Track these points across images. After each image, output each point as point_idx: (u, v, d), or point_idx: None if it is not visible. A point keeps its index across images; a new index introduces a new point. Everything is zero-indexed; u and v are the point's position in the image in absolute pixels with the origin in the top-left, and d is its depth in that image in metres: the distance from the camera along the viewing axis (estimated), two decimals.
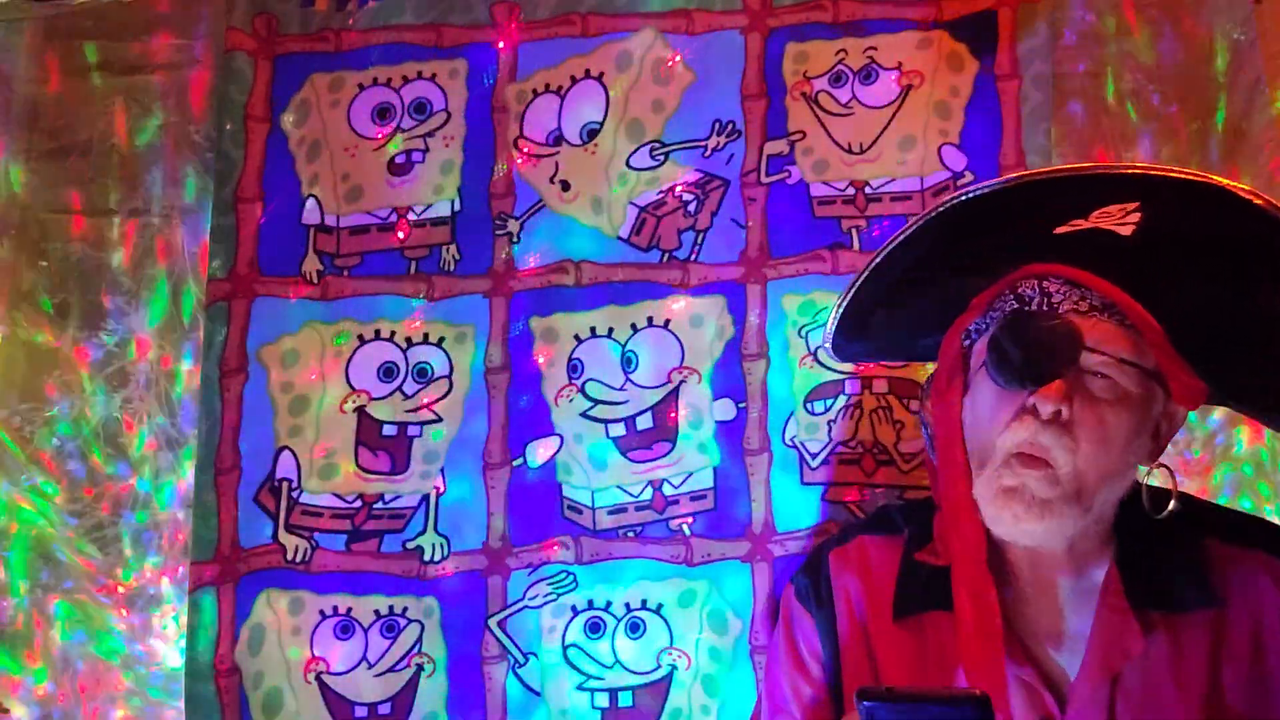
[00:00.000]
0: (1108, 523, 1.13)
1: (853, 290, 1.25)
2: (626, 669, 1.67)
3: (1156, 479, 1.13)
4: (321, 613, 1.72)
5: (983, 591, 1.08)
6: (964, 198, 1.12)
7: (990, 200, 1.11)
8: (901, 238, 1.17)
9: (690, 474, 1.70)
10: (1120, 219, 1.07)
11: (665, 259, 1.75)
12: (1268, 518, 1.51)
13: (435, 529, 1.72)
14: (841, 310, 1.28)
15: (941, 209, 1.14)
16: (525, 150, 1.80)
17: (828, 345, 1.36)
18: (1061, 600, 1.13)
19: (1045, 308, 1.08)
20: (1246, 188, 1.03)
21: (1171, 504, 1.09)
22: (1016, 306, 1.10)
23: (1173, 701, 1.05)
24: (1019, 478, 1.05)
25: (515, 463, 1.73)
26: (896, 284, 1.23)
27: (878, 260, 1.21)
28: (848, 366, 1.66)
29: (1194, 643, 1.07)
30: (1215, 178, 1.03)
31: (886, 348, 1.40)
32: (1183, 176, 1.04)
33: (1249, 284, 1.06)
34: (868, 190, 1.72)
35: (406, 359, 1.77)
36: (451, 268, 1.78)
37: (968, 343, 1.16)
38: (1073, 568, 1.13)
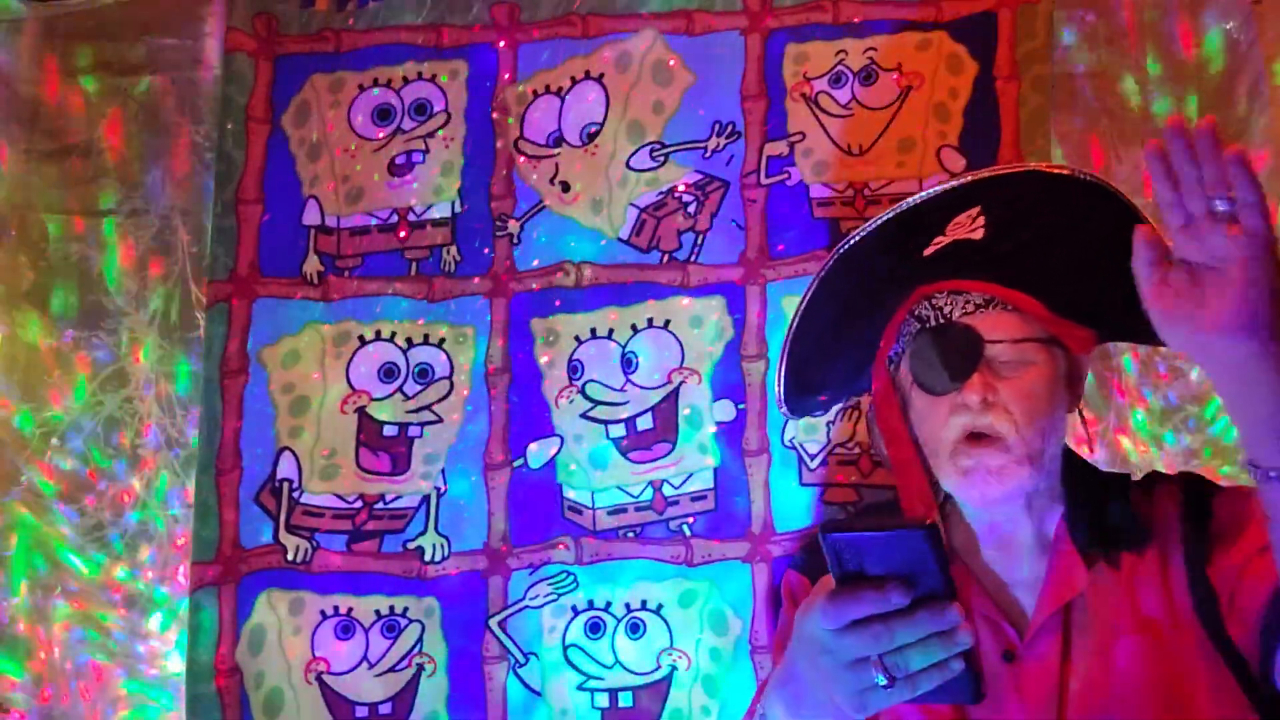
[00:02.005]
0: (1056, 476, 1.29)
1: (785, 359, 1.42)
2: (627, 669, 1.67)
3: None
4: (322, 613, 1.72)
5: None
6: (840, 251, 1.33)
7: (866, 247, 1.32)
8: (805, 301, 1.37)
9: (690, 475, 1.70)
10: (970, 227, 1.27)
11: (665, 260, 1.75)
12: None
13: (436, 529, 1.73)
14: (783, 378, 1.45)
15: (827, 265, 1.34)
16: (525, 151, 1.80)
17: (784, 410, 1.51)
18: (1022, 554, 1.29)
19: (941, 320, 1.27)
20: (1058, 165, 1.26)
21: (1093, 434, 1.38)
22: (919, 327, 1.28)
23: (1111, 623, 1.21)
24: (973, 457, 1.23)
25: (516, 463, 1.73)
26: (819, 340, 1.41)
27: (793, 327, 1.39)
28: None
29: (1124, 571, 1.24)
30: (1026, 165, 1.29)
31: (833, 395, 1.57)
32: (1000, 172, 1.29)
33: (1086, 231, 1.25)
34: (867, 192, 1.72)
35: (407, 360, 1.77)
36: (452, 269, 1.78)
37: (892, 368, 1.34)
38: (1032, 523, 1.29)
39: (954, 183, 1.28)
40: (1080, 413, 1.35)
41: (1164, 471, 1.39)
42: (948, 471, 1.26)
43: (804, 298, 1.38)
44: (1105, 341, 1.39)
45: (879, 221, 1.31)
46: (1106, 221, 1.23)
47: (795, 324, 1.39)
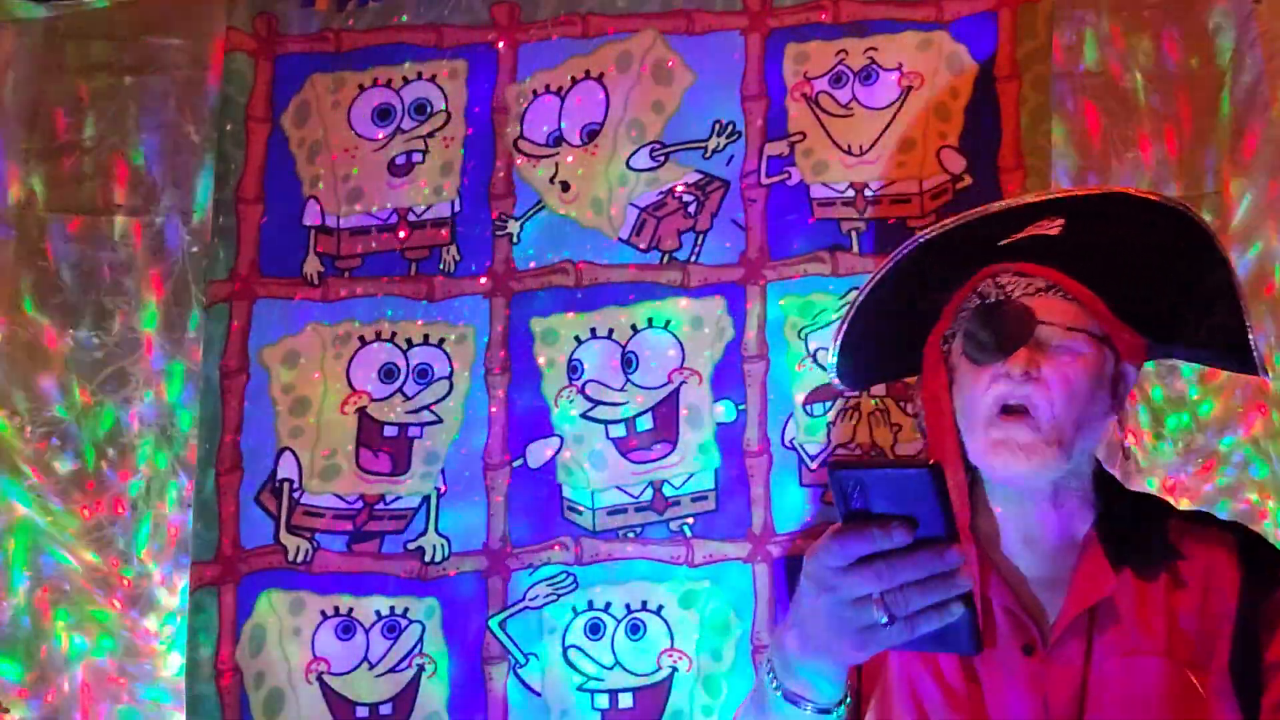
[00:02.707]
0: (1086, 480, 1.31)
1: (844, 327, 1.44)
2: (627, 670, 1.67)
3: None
4: (323, 613, 1.72)
5: (968, 555, 1.22)
6: (920, 240, 1.36)
7: (940, 238, 1.35)
8: (876, 279, 1.40)
9: (690, 475, 1.70)
10: (1048, 226, 1.31)
11: (665, 260, 1.75)
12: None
13: (436, 530, 1.73)
14: (838, 347, 1.45)
15: (904, 252, 1.37)
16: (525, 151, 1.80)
17: (835, 380, 1.50)
18: (1046, 551, 1.30)
19: (1001, 297, 1.29)
20: (1144, 190, 1.28)
21: (1128, 445, 1.37)
22: (979, 302, 1.31)
23: (1140, 631, 1.22)
24: (1004, 430, 1.25)
25: (516, 463, 1.73)
26: (878, 316, 1.42)
27: (858, 301, 1.41)
28: None
29: (1155, 585, 1.25)
30: (1122, 188, 1.29)
31: (884, 369, 1.57)
32: (1094, 192, 1.34)
33: (1163, 258, 1.29)
34: (867, 192, 1.72)
35: (407, 360, 1.77)
36: (452, 269, 1.79)
37: (945, 347, 1.36)
38: (1059, 521, 1.30)
39: (1047, 196, 1.31)
40: (1119, 421, 1.36)
41: (1216, 515, 1.38)
42: (979, 444, 1.27)
43: (874, 277, 1.40)
44: (1156, 357, 1.41)
45: (964, 219, 1.34)
46: (1180, 240, 1.27)
47: (861, 298, 1.41)
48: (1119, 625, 1.23)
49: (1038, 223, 1.31)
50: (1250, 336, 1.27)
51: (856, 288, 1.69)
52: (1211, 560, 1.26)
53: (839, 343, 1.44)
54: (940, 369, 1.35)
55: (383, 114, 1.83)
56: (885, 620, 0.92)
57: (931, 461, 0.90)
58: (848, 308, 1.43)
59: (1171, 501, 1.39)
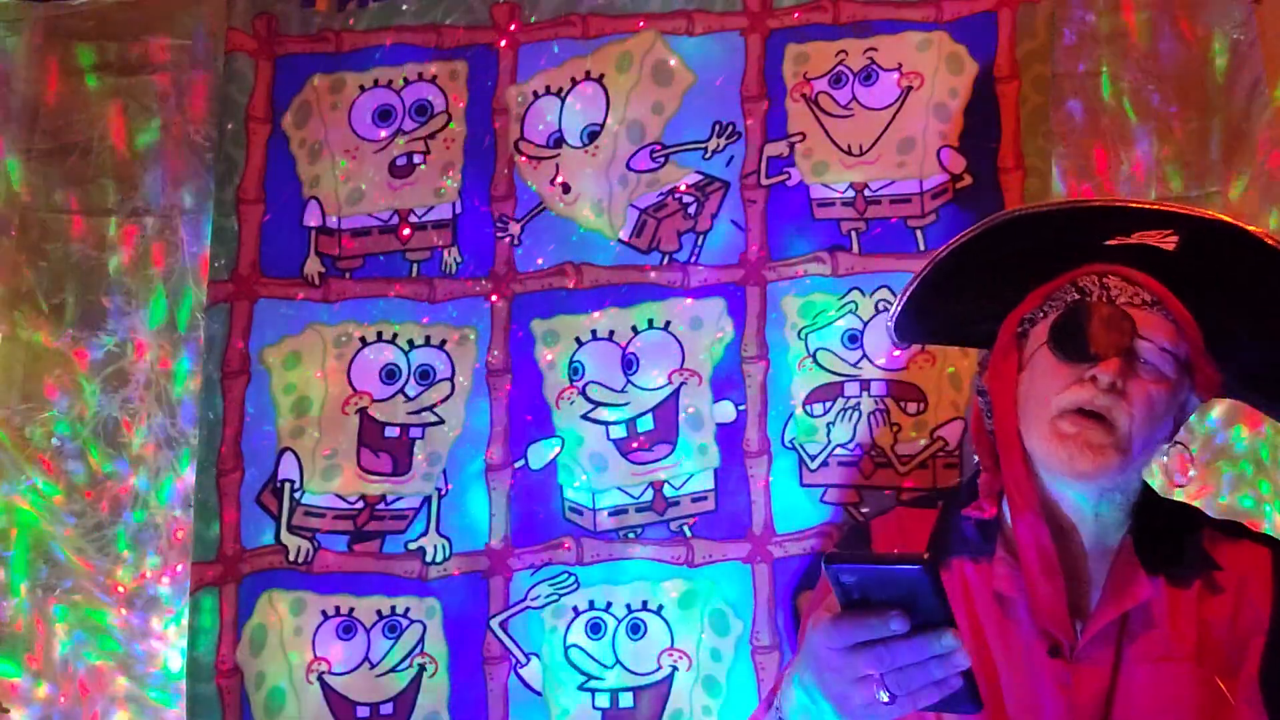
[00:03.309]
0: (1130, 497, 1.29)
1: (915, 282, 1.40)
2: (627, 670, 1.68)
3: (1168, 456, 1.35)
4: (323, 613, 1.72)
5: (1044, 544, 1.25)
6: (1021, 212, 1.31)
7: (1038, 218, 1.31)
8: (966, 238, 1.34)
9: (691, 475, 1.71)
10: (1160, 239, 1.26)
11: (665, 261, 1.75)
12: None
13: (437, 530, 1.73)
14: (907, 297, 1.43)
15: (1000, 219, 1.32)
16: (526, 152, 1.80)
17: (890, 326, 1.49)
18: (1083, 553, 1.29)
19: (1105, 298, 1.26)
20: (1263, 231, 1.23)
21: (1191, 474, 1.33)
22: (1079, 297, 1.27)
23: (1170, 637, 1.22)
24: (1078, 426, 1.22)
25: (517, 464, 1.74)
26: (954, 279, 1.39)
27: (942, 256, 1.37)
28: (843, 368, 1.70)
29: (1188, 593, 1.25)
30: (1244, 225, 1.23)
31: (941, 332, 1.54)
32: (1214, 218, 1.26)
33: (1265, 301, 1.26)
34: (867, 192, 1.73)
35: (408, 361, 1.77)
36: (453, 270, 1.79)
37: (1021, 330, 1.33)
38: (1094, 532, 1.29)
39: (1159, 205, 1.29)
40: (1186, 448, 1.34)
41: (1246, 526, 1.37)
42: (1044, 433, 1.24)
43: (966, 234, 1.35)
44: (1226, 396, 1.39)
45: (1075, 204, 1.33)
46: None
47: (943, 256, 1.37)
48: (1150, 632, 1.23)
49: (1147, 232, 1.27)
50: None
51: (857, 288, 1.70)
52: (1246, 571, 1.25)
53: (909, 293, 1.41)
54: (1013, 351, 1.32)
55: (383, 115, 1.83)
56: (887, 699, 0.96)
57: (925, 556, 0.93)
58: (929, 262, 1.38)
59: (1204, 511, 1.38)
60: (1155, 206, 1.29)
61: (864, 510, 1.65)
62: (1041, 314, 1.31)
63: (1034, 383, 1.28)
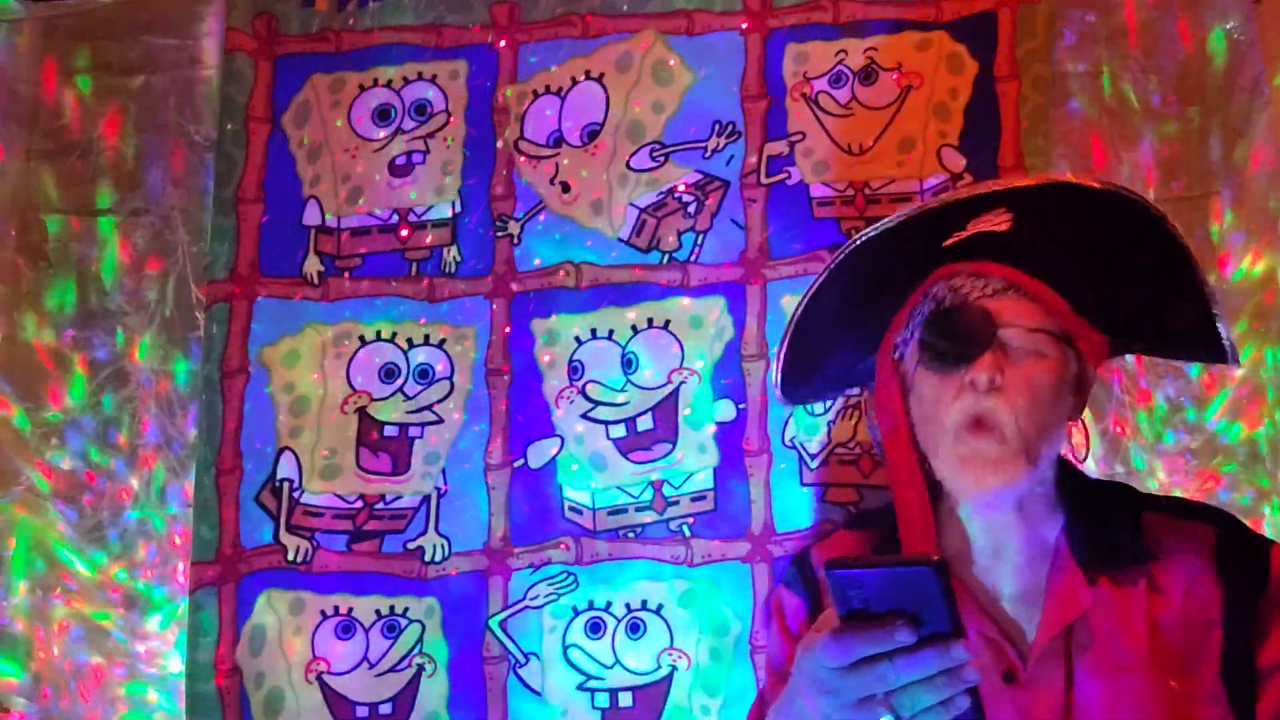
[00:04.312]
0: (1051, 485, 1.26)
1: (785, 342, 1.41)
2: (627, 669, 1.67)
3: (1078, 436, 1.35)
4: (322, 613, 1.72)
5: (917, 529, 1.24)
6: (857, 242, 1.32)
7: (880, 239, 1.31)
8: (813, 290, 1.36)
9: (690, 475, 1.70)
10: (994, 222, 1.25)
11: (665, 260, 1.75)
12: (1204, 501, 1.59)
13: (436, 529, 1.73)
14: (783, 360, 1.43)
15: (840, 257, 1.33)
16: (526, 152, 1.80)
17: (778, 393, 1.49)
18: (1018, 564, 1.25)
19: (958, 300, 1.24)
20: (1076, 175, 1.24)
21: (1086, 455, 1.31)
22: (934, 307, 1.25)
23: (1120, 645, 1.18)
24: (970, 447, 1.19)
25: (516, 463, 1.74)
26: (824, 327, 1.39)
27: (797, 314, 1.38)
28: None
29: (1133, 592, 1.20)
30: (1056, 177, 1.24)
31: (830, 383, 1.54)
32: (1032, 183, 1.25)
33: (1117, 248, 1.25)
34: (867, 191, 1.73)
35: (408, 360, 1.77)
36: (452, 269, 1.79)
37: (897, 355, 1.31)
38: (1025, 532, 1.25)
39: (984, 188, 1.27)
40: (1082, 422, 1.32)
41: (1192, 500, 1.34)
42: (945, 460, 1.22)
43: (813, 285, 1.36)
44: (1118, 353, 1.37)
45: (901, 217, 1.29)
46: (1133, 231, 1.22)
47: (801, 309, 1.38)
48: (1098, 641, 1.19)
49: (981, 218, 1.26)
50: (1219, 325, 1.22)
51: None
52: (1190, 559, 1.21)
53: (782, 358, 1.41)
54: (894, 380, 1.29)
55: (383, 114, 1.84)
56: None
57: (936, 557, 0.87)
58: (788, 322, 1.39)
59: (1146, 493, 1.34)
60: (973, 191, 1.27)
61: (861, 508, 1.65)
62: (910, 333, 1.28)
63: (922, 404, 1.25)
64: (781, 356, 1.43)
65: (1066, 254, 1.24)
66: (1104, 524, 1.24)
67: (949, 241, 1.28)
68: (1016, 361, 1.20)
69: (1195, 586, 1.19)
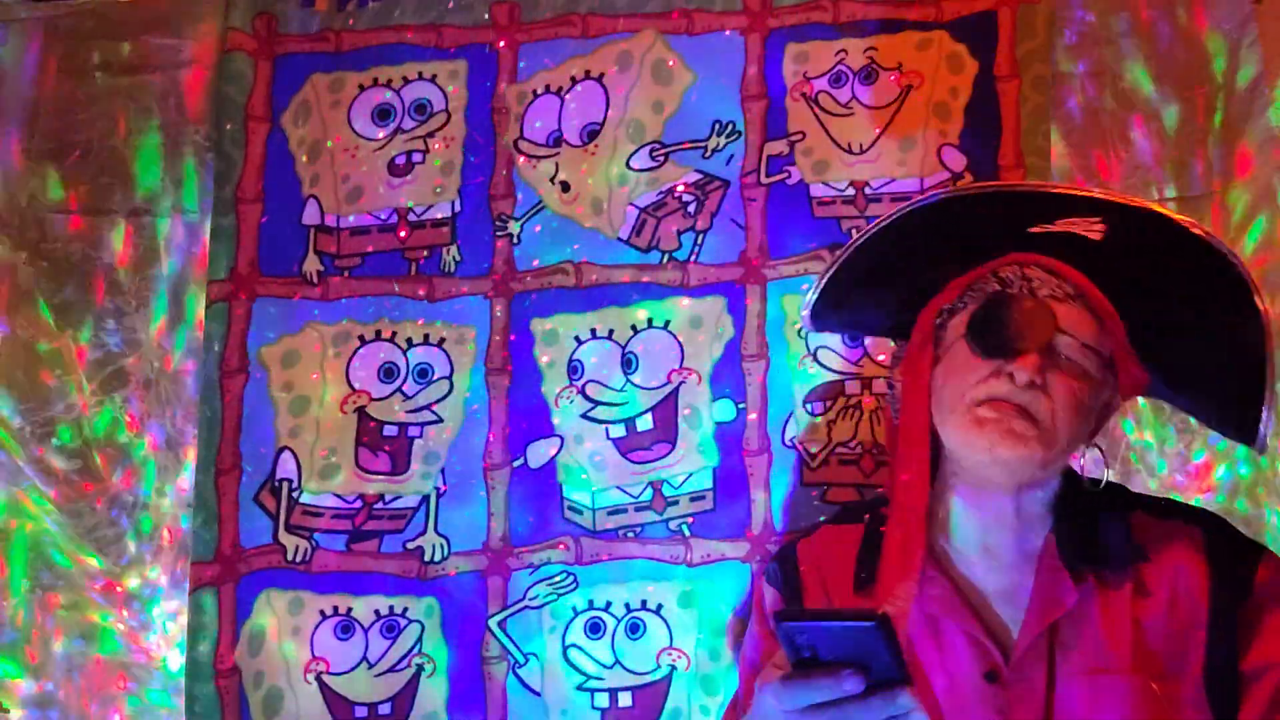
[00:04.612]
0: (1050, 494, 1.25)
1: (834, 267, 1.37)
2: (626, 669, 1.67)
3: (1088, 460, 1.30)
4: (322, 613, 1.72)
5: (912, 535, 1.20)
6: (940, 197, 1.28)
7: (966, 202, 1.28)
8: (884, 224, 1.31)
9: (690, 474, 1.70)
10: (1086, 228, 1.22)
11: (665, 260, 1.75)
12: (1188, 501, 1.57)
13: (436, 529, 1.73)
14: (822, 285, 1.40)
15: (920, 204, 1.29)
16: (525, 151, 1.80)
17: (805, 314, 1.46)
18: (1007, 563, 1.24)
19: (1026, 290, 1.21)
20: (1191, 220, 1.19)
21: (1106, 476, 1.25)
22: (999, 289, 1.22)
23: (1104, 647, 1.17)
24: (997, 412, 1.17)
25: (516, 463, 1.73)
26: (874, 267, 1.35)
27: (860, 241, 1.33)
28: (835, 360, 1.71)
29: (1119, 594, 1.19)
30: (1171, 213, 1.20)
31: (859, 323, 1.52)
32: (1141, 205, 1.23)
33: (1193, 297, 1.22)
34: (867, 191, 1.73)
35: (407, 360, 1.77)
36: (452, 269, 1.79)
37: (939, 321, 1.28)
38: (1018, 533, 1.24)
39: (1088, 192, 1.25)
40: (1100, 449, 1.28)
41: (1182, 502, 1.32)
42: (961, 422, 1.19)
43: (883, 220, 1.31)
44: (1148, 395, 1.35)
45: (997, 187, 1.28)
46: (1213, 287, 1.19)
47: (861, 241, 1.33)
48: (1082, 642, 1.18)
49: (1074, 219, 1.23)
50: (1265, 411, 1.18)
51: None
52: (1178, 562, 1.20)
53: (821, 284, 1.38)
54: (929, 343, 1.26)
55: (383, 114, 1.84)
56: None
57: (880, 611, 0.89)
58: (845, 247, 1.35)
59: (1135, 493, 1.33)
60: (1083, 194, 1.25)
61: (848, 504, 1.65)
62: (961, 305, 1.26)
63: (949, 375, 1.23)
64: (821, 283, 1.39)
65: (1141, 283, 1.22)
66: (1094, 524, 1.23)
67: (1036, 229, 1.24)
68: (1060, 371, 1.18)
69: (1181, 589, 1.19)
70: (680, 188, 1.77)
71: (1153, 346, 1.23)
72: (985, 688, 1.19)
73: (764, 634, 1.39)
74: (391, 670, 1.70)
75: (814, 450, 1.68)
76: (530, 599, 1.70)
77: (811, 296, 1.41)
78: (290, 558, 1.73)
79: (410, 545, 1.73)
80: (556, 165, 1.79)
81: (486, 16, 1.84)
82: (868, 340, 1.69)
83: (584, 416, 1.73)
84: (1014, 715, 1.18)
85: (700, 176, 1.76)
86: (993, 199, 1.27)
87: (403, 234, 1.80)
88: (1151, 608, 1.18)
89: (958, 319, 1.25)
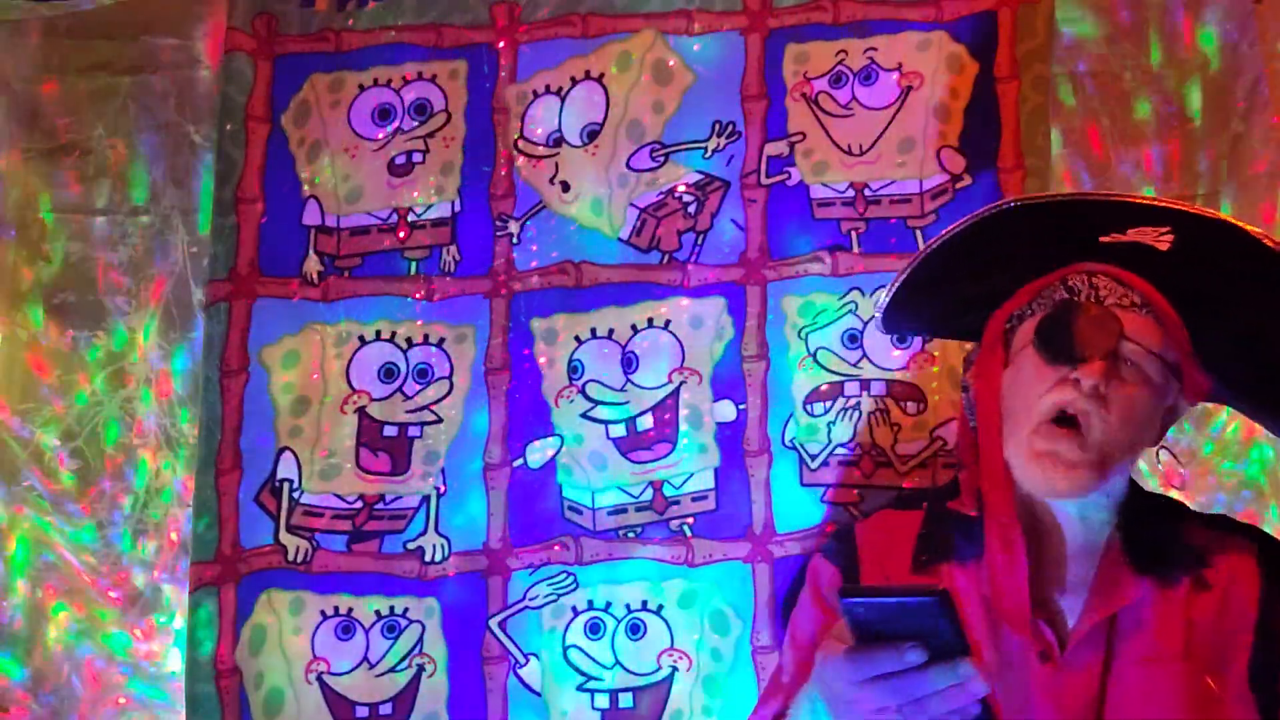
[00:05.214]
0: (1116, 498, 1.28)
1: (908, 270, 1.40)
2: (627, 670, 1.67)
3: (1160, 462, 1.34)
4: (322, 613, 1.72)
5: (1013, 540, 1.23)
6: (1019, 203, 1.32)
7: (1039, 209, 1.31)
8: (959, 230, 1.34)
9: (690, 475, 1.70)
10: (1155, 237, 1.25)
11: (665, 260, 1.75)
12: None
13: (436, 530, 1.73)
14: (896, 288, 1.42)
15: (993, 210, 1.32)
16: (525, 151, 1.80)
17: (878, 316, 1.49)
18: (1069, 554, 1.28)
19: (1093, 299, 1.24)
20: (1262, 232, 1.22)
21: (1183, 474, 1.32)
22: (1067, 296, 1.26)
23: (1160, 638, 1.21)
24: (1052, 443, 1.20)
25: (516, 463, 1.73)
26: (946, 270, 1.38)
27: (936, 245, 1.36)
28: (846, 368, 1.70)
29: (1176, 592, 1.23)
30: (1244, 225, 1.23)
31: (928, 324, 1.55)
32: (1214, 216, 1.26)
33: (1264, 307, 1.25)
34: (867, 192, 1.72)
35: (407, 360, 1.77)
36: (452, 269, 1.78)
37: (1009, 326, 1.32)
38: (1081, 536, 1.28)
39: (1164, 202, 1.28)
40: (1171, 452, 1.33)
41: (1234, 519, 1.38)
42: (1022, 449, 1.23)
43: (959, 225, 1.35)
44: (1215, 401, 1.39)
45: (1069, 196, 1.31)
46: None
47: (936, 244, 1.37)
48: (1139, 633, 1.21)
49: (1141, 229, 1.26)
50: None
51: (857, 287, 1.70)
52: (1234, 567, 1.24)
53: (895, 287, 1.41)
54: (999, 348, 1.31)
55: (383, 114, 1.83)
56: None
57: (940, 587, 0.92)
58: (921, 252, 1.39)
59: (1185, 504, 1.38)
60: (1153, 202, 1.28)
61: (862, 508, 1.65)
62: (1030, 311, 1.29)
63: (1017, 382, 1.27)
64: (895, 286, 1.42)
65: (1208, 292, 1.25)
66: (1156, 531, 1.27)
67: (1106, 239, 1.28)
68: (1125, 378, 1.21)
69: (1237, 589, 1.23)
70: (680, 188, 1.77)
71: (1217, 353, 1.26)
72: (1038, 669, 1.22)
73: (818, 609, 1.40)
74: (392, 670, 1.70)
75: (813, 451, 1.69)
76: (530, 599, 1.70)
77: (885, 299, 1.44)
78: (291, 558, 1.73)
79: (411, 545, 1.72)
80: (556, 165, 1.79)
81: (486, 16, 1.84)
82: (867, 342, 1.69)
83: (584, 416, 1.73)
84: (1065, 698, 1.21)
85: (700, 177, 1.76)
86: (1064, 206, 1.31)
87: (403, 234, 1.80)
88: (1204, 606, 1.23)
89: (1026, 325, 1.29)
